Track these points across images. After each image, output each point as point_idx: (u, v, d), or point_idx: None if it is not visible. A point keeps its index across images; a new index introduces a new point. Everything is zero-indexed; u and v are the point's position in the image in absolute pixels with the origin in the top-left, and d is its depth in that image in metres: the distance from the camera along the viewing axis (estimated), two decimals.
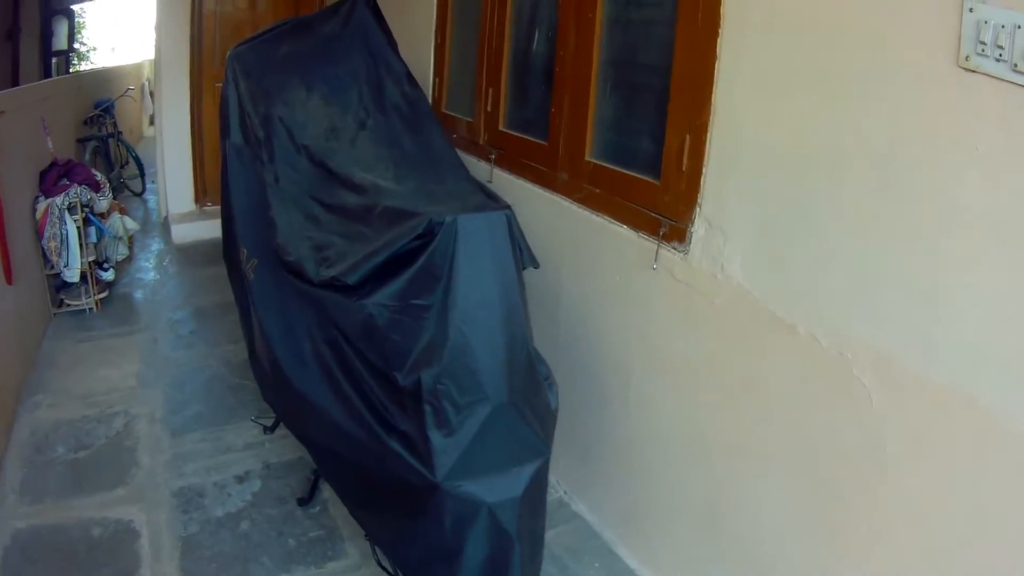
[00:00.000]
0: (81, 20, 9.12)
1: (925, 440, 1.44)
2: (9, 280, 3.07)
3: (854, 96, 1.50)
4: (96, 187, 3.97)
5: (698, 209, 1.89)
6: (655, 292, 2.08)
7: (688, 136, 1.87)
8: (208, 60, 5.27)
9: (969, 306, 1.34)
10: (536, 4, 2.71)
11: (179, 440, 2.90)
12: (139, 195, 6.49)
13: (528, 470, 1.71)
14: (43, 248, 3.68)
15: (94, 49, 9.63)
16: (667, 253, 2.01)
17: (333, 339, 1.83)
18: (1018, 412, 1.28)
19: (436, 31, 3.49)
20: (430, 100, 3.39)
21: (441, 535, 1.63)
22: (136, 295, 4.44)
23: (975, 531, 1.38)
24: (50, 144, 4.01)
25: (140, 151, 6.97)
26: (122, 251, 4.42)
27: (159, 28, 5.16)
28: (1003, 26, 1.20)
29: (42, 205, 3.65)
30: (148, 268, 4.91)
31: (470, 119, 3.19)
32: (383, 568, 2.07)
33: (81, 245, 3.76)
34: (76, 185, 3.77)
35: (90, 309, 3.98)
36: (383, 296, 1.65)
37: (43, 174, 3.84)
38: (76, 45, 8.33)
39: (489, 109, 3.00)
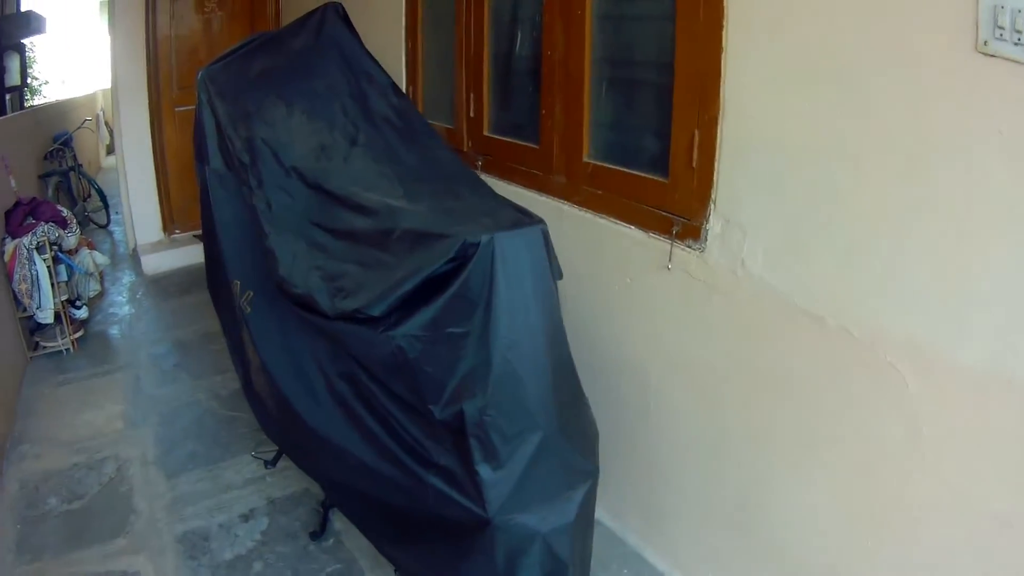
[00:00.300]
0: (31, 55, 8.84)
1: (962, 423, 1.44)
2: None
3: (873, 85, 1.48)
4: (63, 224, 3.81)
5: (712, 205, 1.85)
6: (670, 291, 2.04)
7: (697, 132, 1.82)
8: (166, 85, 5.12)
9: (1000, 288, 1.35)
10: (516, 5, 2.66)
11: (175, 482, 2.77)
12: (104, 227, 6.29)
13: (579, 494, 1.65)
14: (14, 291, 3.52)
15: (46, 83, 9.35)
16: (681, 252, 1.96)
17: (350, 373, 1.74)
18: None
19: (406, 37, 3.41)
20: None
21: (492, 569, 1.55)
22: (112, 332, 4.28)
23: (1013, 507, 1.38)
24: (13, 183, 3.85)
25: (100, 182, 6.76)
26: (94, 287, 4.25)
27: (114, 55, 4.99)
28: (1020, 11, 1.21)
29: (9, 247, 3.49)
30: (121, 302, 4.74)
31: (450, 126, 3.12)
32: None
33: (52, 285, 3.61)
34: (43, 223, 3.62)
35: (67, 350, 3.82)
36: (413, 326, 1.53)
37: (8, 214, 3.69)
38: (28, 80, 8.07)
39: (472, 115, 2.93)
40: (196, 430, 3.16)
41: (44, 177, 5.32)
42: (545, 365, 1.58)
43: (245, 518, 2.57)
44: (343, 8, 2.61)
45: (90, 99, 8.75)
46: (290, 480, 2.74)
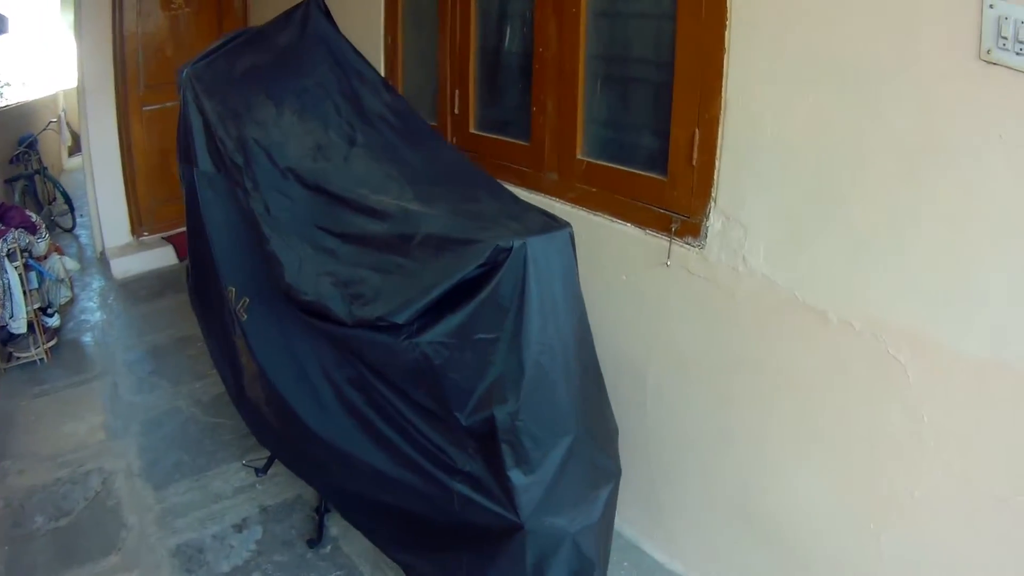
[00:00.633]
0: None
1: (962, 409, 1.51)
2: None
3: (876, 88, 1.52)
4: (33, 229, 3.69)
5: (713, 203, 1.87)
6: (669, 288, 2.05)
7: (698, 130, 1.83)
8: (133, 83, 4.98)
9: (997, 282, 1.41)
10: (505, 1, 2.63)
11: (164, 493, 2.71)
12: (70, 231, 6.10)
13: (604, 493, 1.66)
14: None
15: (7, 84, 9.00)
16: (680, 249, 1.97)
17: (360, 379, 1.71)
18: None
19: (386, 32, 3.36)
20: None
21: (521, 572, 1.55)
22: (85, 339, 4.16)
23: (1014, 488, 1.44)
24: None
25: (64, 184, 6.55)
26: (65, 294, 4.14)
27: (81, 54, 4.84)
28: (1022, 22, 1.26)
29: None
30: (93, 308, 4.61)
31: (433, 123, 3.09)
32: None
33: (24, 293, 3.49)
34: (12, 230, 3.50)
35: (41, 360, 3.69)
36: (439, 333, 1.51)
37: None
38: None
39: (456, 112, 2.90)
40: (180, 438, 3.09)
41: (10, 181, 5.16)
42: (575, 368, 1.59)
43: (238, 528, 2.52)
44: (324, 3, 2.56)
45: (52, 100, 8.48)
46: (281, 487, 2.70)
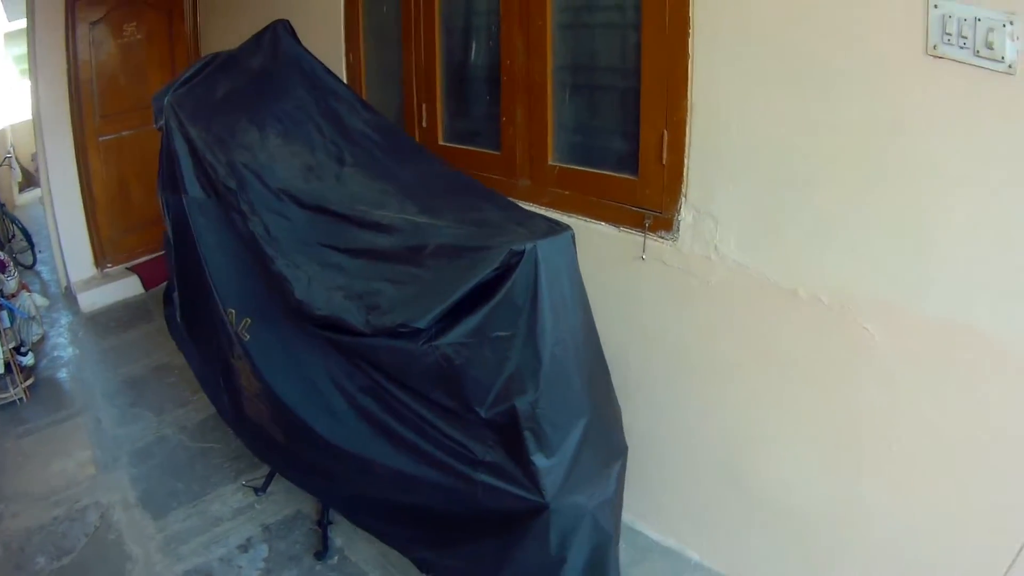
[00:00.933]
0: None
1: (930, 367, 1.66)
2: None
3: (832, 84, 1.67)
4: (2, 267, 3.65)
5: (683, 199, 1.99)
6: (645, 279, 2.17)
7: (666, 132, 1.96)
8: (88, 114, 4.90)
9: (953, 246, 1.56)
10: (469, 15, 2.71)
11: (163, 522, 2.72)
12: (31, 267, 5.98)
13: (615, 468, 1.80)
14: None
15: None
16: (654, 243, 2.09)
17: (373, 387, 1.79)
18: (1007, 330, 1.51)
19: (347, 49, 3.39)
20: None
21: (545, 551, 1.66)
22: (61, 375, 4.11)
23: (978, 432, 1.60)
24: None
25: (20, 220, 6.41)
26: (36, 331, 4.08)
27: (35, 87, 4.75)
28: (965, 19, 1.43)
29: None
30: (64, 344, 4.55)
31: None
32: None
33: (0, 333, 3.45)
34: None
35: (20, 399, 3.65)
36: (458, 335, 1.62)
37: None
38: None
39: (424, 124, 2.97)
40: (171, 466, 3.09)
41: None
42: (585, 356, 1.72)
43: (244, 548, 2.55)
44: (291, 25, 2.60)
45: (1, 135, 8.26)
46: (280, 504, 2.74)
